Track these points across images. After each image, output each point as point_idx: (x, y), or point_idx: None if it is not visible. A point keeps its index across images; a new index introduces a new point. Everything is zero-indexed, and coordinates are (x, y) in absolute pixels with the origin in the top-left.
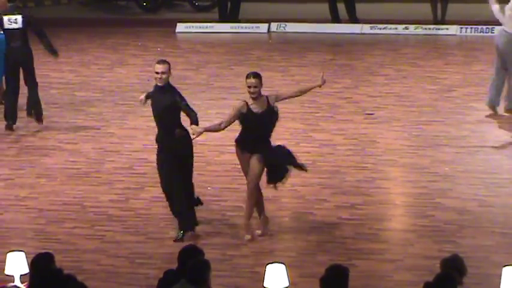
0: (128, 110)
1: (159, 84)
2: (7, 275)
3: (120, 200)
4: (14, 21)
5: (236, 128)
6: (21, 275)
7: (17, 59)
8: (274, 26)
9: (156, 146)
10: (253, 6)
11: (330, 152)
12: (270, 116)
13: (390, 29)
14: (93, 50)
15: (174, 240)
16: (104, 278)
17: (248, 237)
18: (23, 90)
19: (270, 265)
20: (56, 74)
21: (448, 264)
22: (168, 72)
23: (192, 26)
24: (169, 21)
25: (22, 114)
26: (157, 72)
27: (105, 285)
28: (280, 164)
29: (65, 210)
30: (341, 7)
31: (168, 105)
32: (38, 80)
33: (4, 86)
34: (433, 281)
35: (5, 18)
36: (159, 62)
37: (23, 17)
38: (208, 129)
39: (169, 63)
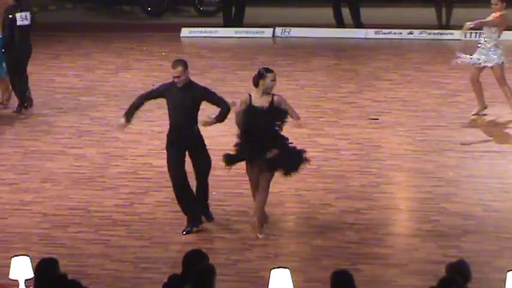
0: None
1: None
2: (12, 280)
3: (124, 205)
4: (25, 17)
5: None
6: (25, 280)
7: (24, 54)
8: (278, 31)
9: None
10: (257, 11)
11: (335, 156)
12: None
13: (395, 33)
14: (97, 54)
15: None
16: (109, 282)
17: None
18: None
19: (274, 270)
20: (61, 78)
21: (453, 269)
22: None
23: (197, 31)
24: (174, 26)
25: (25, 118)
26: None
27: None
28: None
29: (69, 215)
30: (345, 12)
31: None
32: (42, 84)
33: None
34: (437, 286)
35: (18, 15)
36: (172, 66)
37: (30, 14)
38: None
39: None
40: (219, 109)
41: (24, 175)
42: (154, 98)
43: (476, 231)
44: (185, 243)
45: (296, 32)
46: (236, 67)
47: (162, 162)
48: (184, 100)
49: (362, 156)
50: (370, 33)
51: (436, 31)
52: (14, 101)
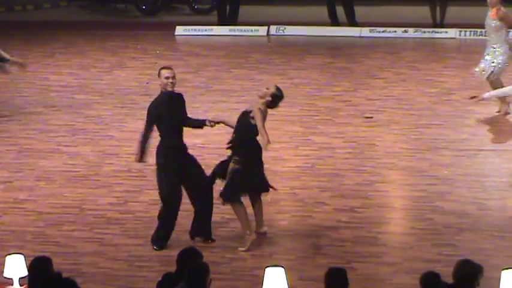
0: (127, 112)
1: (170, 89)
2: (6, 278)
3: (119, 203)
4: None
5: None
6: (20, 278)
7: None
8: (273, 29)
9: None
10: (252, 9)
11: (329, 155)
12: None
13: (389, 32)
14: (92, 52)
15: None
16: (103, 280)
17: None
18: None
19: (269, 268)
20: (55, 76)
21: (464, 267)
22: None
23: (191, 29)
24: (169, 24)
25: (19, 116)
26: (167, 77)
27: (103, 287)
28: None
29: (63, 213)
30: (340, 10)
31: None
32: (37, 82)
33: None
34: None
35: None
36: (167, 68)
37: None
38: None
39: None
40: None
41: (18, 173)
42: (154, 122)
43: (471, 230)
44: (179, 241)
45: (290, 30)
46: (231, 65)
47: None
48: (178, 108)
49: (356, 154)
50: (365, 31)
51: (431, 30)
52: None
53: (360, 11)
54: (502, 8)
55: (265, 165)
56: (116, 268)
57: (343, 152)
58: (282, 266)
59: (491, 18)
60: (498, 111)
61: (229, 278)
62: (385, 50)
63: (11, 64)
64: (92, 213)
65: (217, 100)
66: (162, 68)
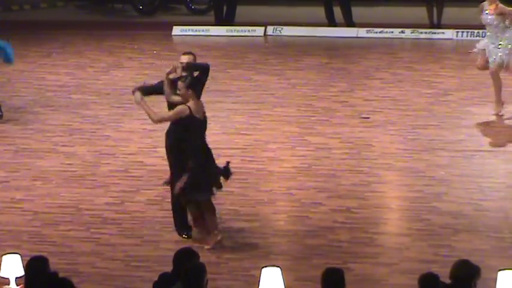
0: (124, 112)
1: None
2: (2, 278)
3: (115, 203)
4: None
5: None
6: (16, 278)
7: None
8: (270, 30)
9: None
10: (249, 9)
11: (326, 155)
12: None
13: (386, 32)
14: (89, 52)
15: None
16: (99, 280)
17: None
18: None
19: (265, 268)
20: (52, 76)
21: (461, 268)
22: None
23: (188, 29)
24: (166, 24)
25: (16, 116)
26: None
27: (100, 287)
28: None
29: (60, 213)
30: (337, 11)
31: None
32: (34, 82)
33: None
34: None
35: None
36: (185, 53)
37: None
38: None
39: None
40: None
41: (15, 173)
42: (154, 93)
43: (467, 231)
44: (176, 241)
45: (287, 30)
46: (227, 66)
47: (153, 160)
48: None
49: (353, 155)
50: (362, 32)
51: (428, 30)
52: None
53: (357, 12)
54: (500, 4)
55: (262, 166)
56: (113, 268)
57: (339, 152)
58: (279, 266)
59: (490, 14)
60: (494, 114)
61: (225, 278)
62: (382, 51)
63: None
64: (89, 213)
65: (214, 100)
66: (183, 54)
